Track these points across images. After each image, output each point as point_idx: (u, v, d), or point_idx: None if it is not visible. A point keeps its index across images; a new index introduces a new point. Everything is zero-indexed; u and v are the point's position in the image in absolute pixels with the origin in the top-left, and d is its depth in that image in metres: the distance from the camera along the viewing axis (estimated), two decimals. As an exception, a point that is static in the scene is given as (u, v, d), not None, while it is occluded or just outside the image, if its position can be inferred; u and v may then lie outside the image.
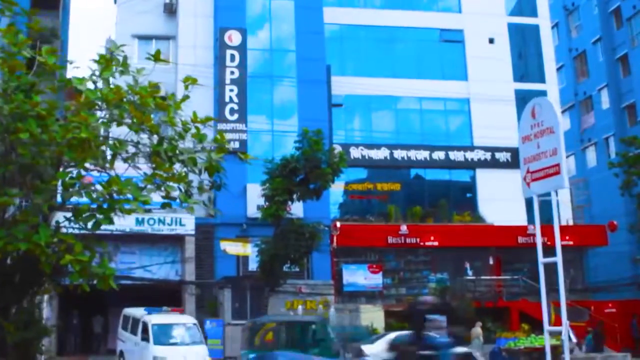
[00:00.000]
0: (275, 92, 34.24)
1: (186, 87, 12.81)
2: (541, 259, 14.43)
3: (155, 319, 24.68)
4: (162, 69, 34.90)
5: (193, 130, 11.97)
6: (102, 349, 33.68)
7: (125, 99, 11.10)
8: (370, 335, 27.94)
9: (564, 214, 37.36)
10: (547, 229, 36.17)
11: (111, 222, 10.52)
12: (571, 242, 35.30)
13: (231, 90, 33.16)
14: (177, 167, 11.88)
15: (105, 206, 10.37)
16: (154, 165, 11.77)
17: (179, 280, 31.09)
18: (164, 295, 32.84)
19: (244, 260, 31.51)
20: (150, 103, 11.12)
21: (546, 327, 13.83)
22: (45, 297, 27.43)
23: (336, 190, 35.66)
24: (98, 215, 10.43)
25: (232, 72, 33.37)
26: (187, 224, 30.72)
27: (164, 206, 12.12)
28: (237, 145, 32.70)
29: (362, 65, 37.37)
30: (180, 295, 31.47)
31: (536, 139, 13.76)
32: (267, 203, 27.96)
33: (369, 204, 36.32)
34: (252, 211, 31.46)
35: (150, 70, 12.23)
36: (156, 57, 11.93)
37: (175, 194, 12.24)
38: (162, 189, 11.91)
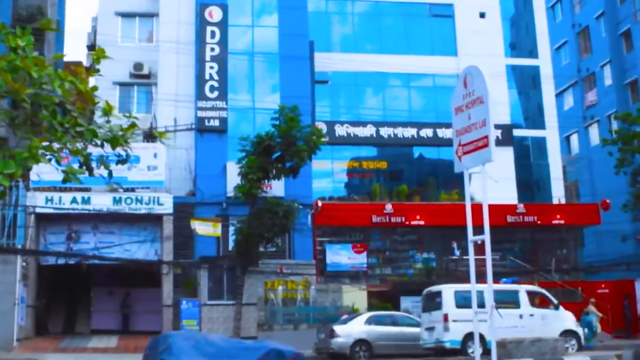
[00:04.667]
0: (257, 69, 33.61)
1: (96, 61, 12.15)
2: (470, 237, 13.76)
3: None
4: (144, 47, 34.72)
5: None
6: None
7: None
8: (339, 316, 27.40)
9: (557, 192, 36.55)
10: (538, 208, 35.51)
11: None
12: (562, 221, 34.56)
13: (211, 68, 32.55)
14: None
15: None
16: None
17: (157, 260, 30.67)
18: (143, 275, 32.60)
19: (224, 240, 31.06)
20: (34, 73, 10.43)
21: (474, 309, 13.18)
22: (18, 276, 27.26)
23: (341, 168, 35.37)
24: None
25: (212, 49, 32.74)
26: (165, 203, 30.31)
27: (64, 180, 11.57)
28: (217, 123, 32.19)
29: (349, 41, 36.65)
30: (159, 274, 31.08)
31: (467, 109, 13.09)
32: (243, 181, 27.55)
33: (351, 182, 35.77)
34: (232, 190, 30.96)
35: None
36: (46, 27, 11.35)
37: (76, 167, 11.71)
38: (59, 162, 11.38)
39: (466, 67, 13.55)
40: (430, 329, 22.93)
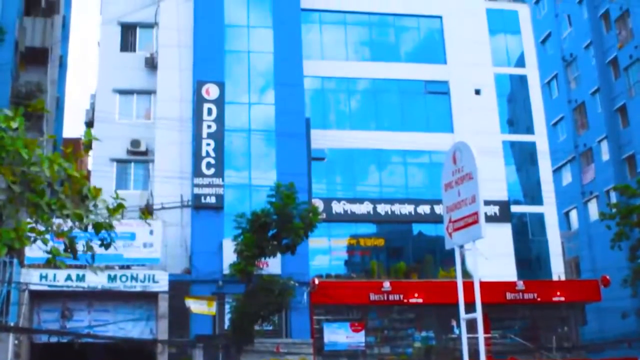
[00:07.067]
0: (254, 146, 33.72)
1: (86, 142, 12.23)
2: (463, 315, 13.56)
3: None
4: (141, 124, 34.97)
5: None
6: None
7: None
8: None
9: (557, 268, 36.24)
10: (538, 285, 35.12)
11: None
12: (563, 298, 34.14)
13: (208, 145, 32.68)
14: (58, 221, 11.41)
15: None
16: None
17: (152, 339, 30.22)
18: (138, 354, 32.07)
19: (220, 318, 30.71)
20: (24, 155, 10.45)
21: (466, 389, 12.91)
22: (10, 355, 26.84)
23: (338, 245, 35.19)
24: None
25: (209, 126, 32.94)
26: (160, 281, 30.06)
27: (48, 262, 11.54)
28: (213, 200, 32.11)
29: (345, 119, 36.85)
30: (154, 353, 30.58)
31: (457, 185, 13.06)
32: (238, 259, 27.33)
33: (349, 259, 35.51)
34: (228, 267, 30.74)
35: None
36: (38, 109, 11.50)
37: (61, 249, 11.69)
38: (45, 244, 11.35)
39: (455, 143, 13.58)
40: None
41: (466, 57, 38.09)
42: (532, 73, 39.43)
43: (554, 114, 51.73)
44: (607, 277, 33.82)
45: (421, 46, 38.93)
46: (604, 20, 49.19)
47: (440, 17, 39.01)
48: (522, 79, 39.59)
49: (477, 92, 37.71)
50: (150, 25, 36.14)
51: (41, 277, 29.12)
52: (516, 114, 39.66)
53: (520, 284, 33.72)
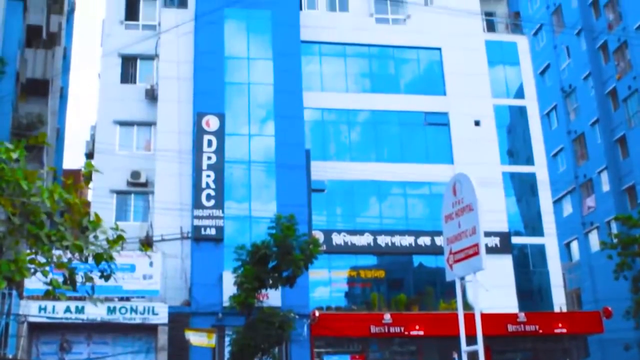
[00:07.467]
0: (254, 178, 33.72)
1: (86, 173, 12.30)
2: (464, 348, 13.46)
3: None
4: (142, 156, 34.92)
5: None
6: None
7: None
8: None
9: (558, 300, 36.05)
10: (539, 316, 34.90)
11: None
12: (565, 330, 33.93)
13: (208, 176, 32.68)
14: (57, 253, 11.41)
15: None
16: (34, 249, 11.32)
17: (151, 372, 30.02)
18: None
19: (220, 350, 30.50)
20: (24, 186, 10.48)
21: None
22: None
23: (338, 277, 35.04)
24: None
25: (209, 158, 32.97)
26: (160, 313, 29.93)
27: (47, 293, 11.52)
28: (213, 232, 32.04)
29: (346, 150, 36.86)
30: (154, 387, 30.35)
31: (457, 217, 13.02)
32: (238, 291, 27.23)
33: (349, 291, 35.33)
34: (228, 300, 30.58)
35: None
36: (40, 142, 11.54)
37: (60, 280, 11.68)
38: (45, 276, 11.34)
39: (454, 175, 13.57)
40: None
41: (465, 89, 38.23)
42: (531, 104, 39.52)
43: (554, 144, 51.84)
44: (609, 308, 33.66)
45: (421, 78, 39.06)
46: (602, 51, 49.47)
47: (439, 49, 39.20)
48: (522, 110, 39.65)
49: (477, 123, 37.78)
50: (150, 57, 36.29)
51: (40, 309, 29.00)
52: (516, 145, 39.68)
53: (522, 316, 33.52)
